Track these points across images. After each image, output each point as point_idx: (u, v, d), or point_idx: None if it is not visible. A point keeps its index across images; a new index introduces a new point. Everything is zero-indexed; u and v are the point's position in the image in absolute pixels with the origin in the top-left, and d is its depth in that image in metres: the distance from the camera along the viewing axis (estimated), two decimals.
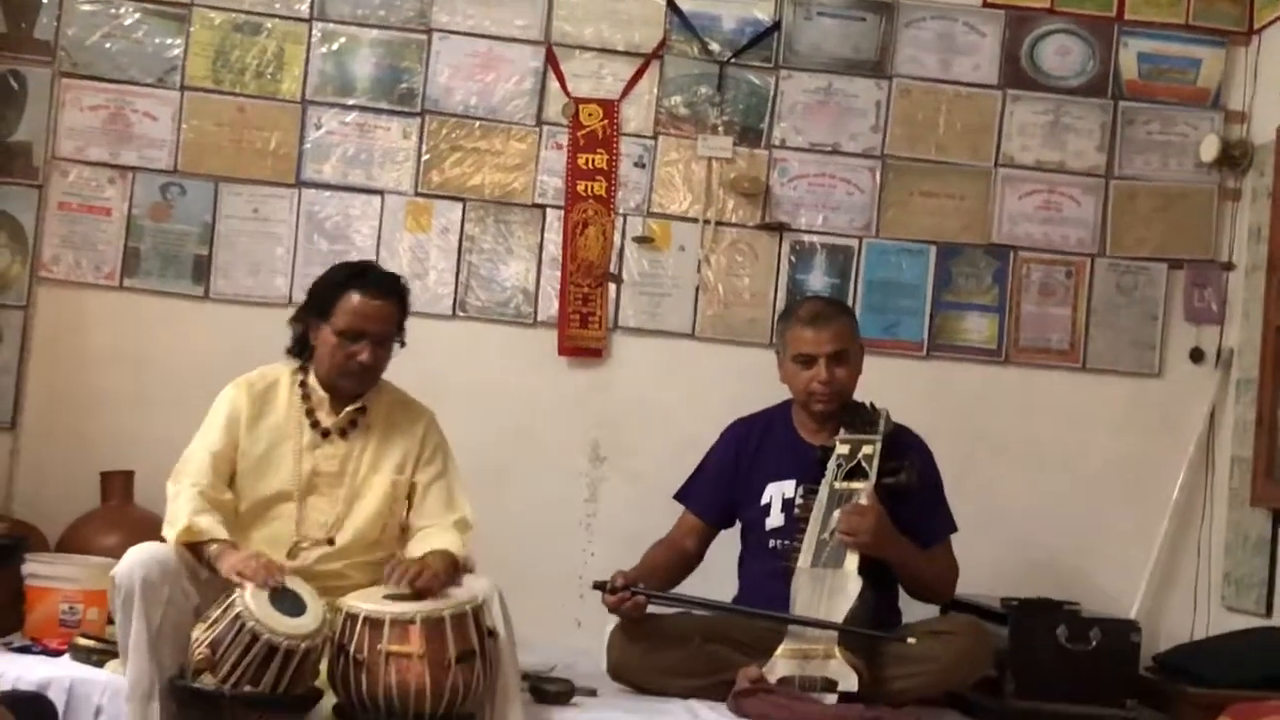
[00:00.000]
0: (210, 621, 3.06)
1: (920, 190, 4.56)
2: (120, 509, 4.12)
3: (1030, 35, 4.59)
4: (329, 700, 3.17)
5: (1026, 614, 3.92)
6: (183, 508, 3.25)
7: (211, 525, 3.23)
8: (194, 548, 3.22)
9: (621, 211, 4.50)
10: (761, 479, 3.83)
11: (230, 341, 4.21)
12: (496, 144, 4.48)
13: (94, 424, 4.30)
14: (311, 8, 4.44)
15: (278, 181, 4.43)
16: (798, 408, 3.87)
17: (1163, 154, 4.59)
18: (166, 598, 3.09)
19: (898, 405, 3.83)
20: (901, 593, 3.79)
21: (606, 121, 4.49)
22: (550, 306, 4.46)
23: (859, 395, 3.83)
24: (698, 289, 4.50)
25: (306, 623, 3.07)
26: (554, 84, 4.49)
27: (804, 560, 3.59)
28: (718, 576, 3.88)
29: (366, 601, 3.15)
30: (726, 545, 3.92)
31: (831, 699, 3.39)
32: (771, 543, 3.76)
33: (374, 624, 3.08)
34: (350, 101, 4.46)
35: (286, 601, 3.07)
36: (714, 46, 4.53)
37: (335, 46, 4.46)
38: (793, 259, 4.52)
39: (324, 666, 3.15)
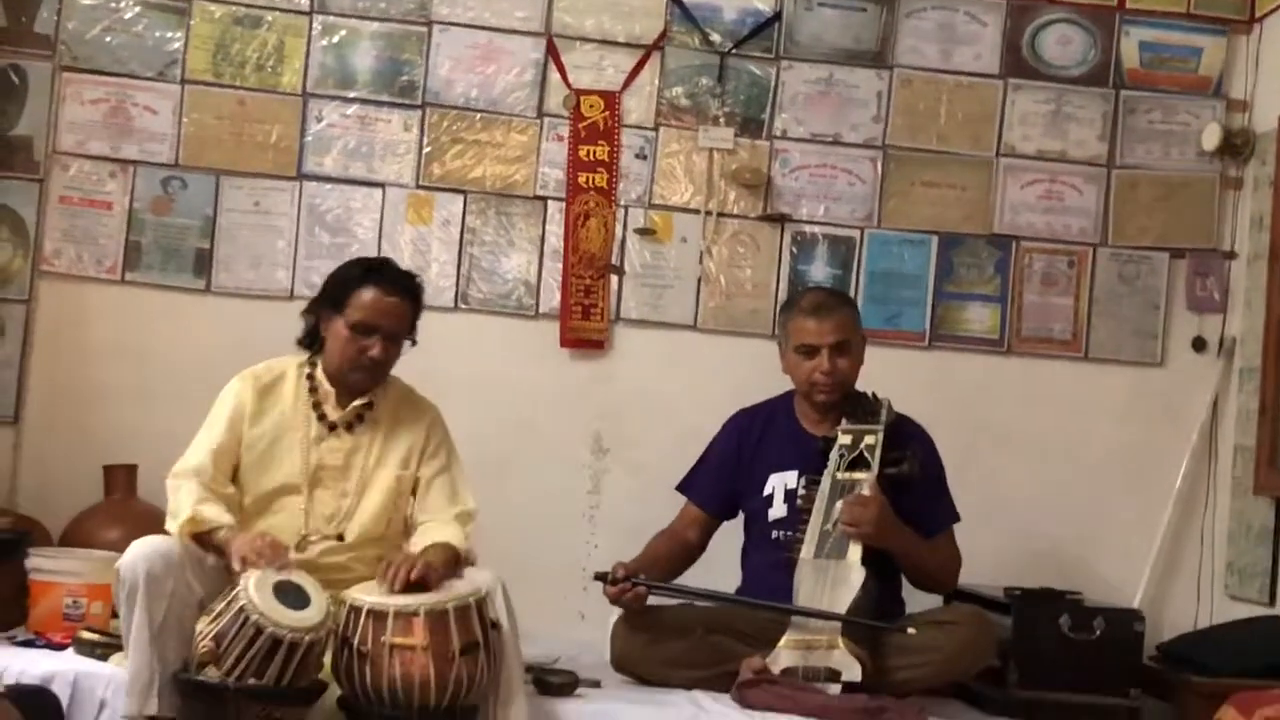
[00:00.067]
0: (214, 614, 3.05)
1: (922, 180, 4.55)
2: (123, 503, 4.12)
3: (1031, 24, 4.58)
4: (333, 693, 3.16)
5: (1030, 604, 3.93)
6: (185, 500, 3.26)
7: (217, 513, 3.24)
8: (200, 538, 3.23)
9: (623, 203, 4.49)
10: (764, 470, 3.82)
11: (232, 335, 4.22)
12: (497, 136, 4.48)
13: (96, 418, 4.30)
14: (312, 1, 4.44)
15: (279, 174, 4.43)
16: (800, 398, 3.87)
17: (1164, 143, 4.59)
18: (170, 591, 3.08)
19: (900, 395, 3.83)
20: (904, 583, 3.80)
21: (607, 113, 4.48)
22: (552, 298, 4.46)
23: (861, 386, 3.83)
24: (699, 280, 4.50)
25: (310, 615, 3.06)
26: (555, 76, 4.49)
27: (807, 551, 3.59)
28: (721, 568, 3.89)
29: (370, 594, 3.15)
30: (729, 536, 3.92)
31: (835, 689, 3.39)
32: (774, 534, 3.76)
33: (378, 616, 3.08)
34: (351, 94, 4.45)
35: (290, 594, 3.07)
36: (715, 37, 4.52)
37: (336, 39, 4.45)
38: (794, 250, 4.52)
39: (328, 659, 3.15)
